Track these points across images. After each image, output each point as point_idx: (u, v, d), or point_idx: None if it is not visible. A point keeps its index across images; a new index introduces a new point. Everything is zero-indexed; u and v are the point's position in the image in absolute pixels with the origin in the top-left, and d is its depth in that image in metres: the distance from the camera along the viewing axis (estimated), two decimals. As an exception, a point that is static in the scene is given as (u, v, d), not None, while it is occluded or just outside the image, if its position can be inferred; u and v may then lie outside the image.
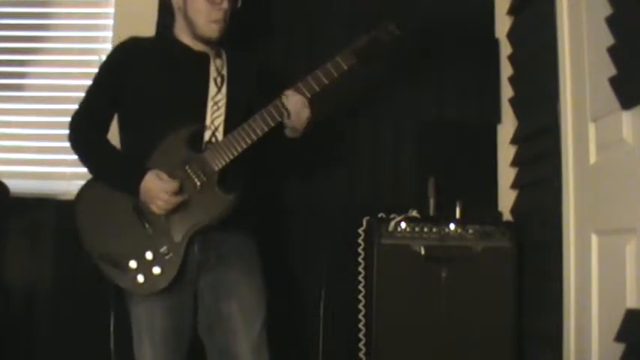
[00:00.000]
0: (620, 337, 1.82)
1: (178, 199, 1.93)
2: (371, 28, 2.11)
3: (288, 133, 2.07)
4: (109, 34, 2.72)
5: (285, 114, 2.01)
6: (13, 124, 2.76)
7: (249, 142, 1.99)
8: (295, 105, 2.01)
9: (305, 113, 2.04)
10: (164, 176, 1.92)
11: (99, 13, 2.80)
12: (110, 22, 2.75)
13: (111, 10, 2.76)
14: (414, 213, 2.48)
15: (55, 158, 2.68)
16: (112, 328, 2.28)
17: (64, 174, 2.66)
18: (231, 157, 1.98)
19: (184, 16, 2.10)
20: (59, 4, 2.83)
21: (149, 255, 1.92)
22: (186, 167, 1.97)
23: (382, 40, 2.10)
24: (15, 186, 2.49)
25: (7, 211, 2.51)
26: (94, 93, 2.08)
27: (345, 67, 2.06)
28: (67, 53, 2.77)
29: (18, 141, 2.74)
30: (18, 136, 2.74)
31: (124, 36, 2.14)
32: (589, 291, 2.05)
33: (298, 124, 2.04)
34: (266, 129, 2.00)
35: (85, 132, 2.05)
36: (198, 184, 1.96)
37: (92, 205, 1.99)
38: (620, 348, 1.82)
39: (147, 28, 2.49)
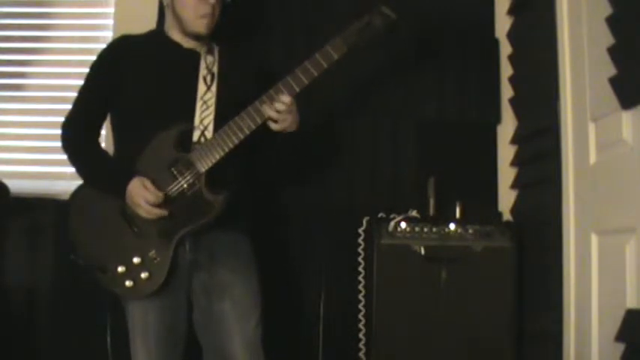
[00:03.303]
0: (620, 337, 1.82)
1: (159, 212, 1.90)
2: (363, 13, 2.02)
3: (273, 127, 1.98)
4: (109, 34, 2.72)
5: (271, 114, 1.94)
6: (13, 124, 2.76)
7: (237, 141, 1.94)
8: (280, 106, 1.94)
9: (291, 114, 1.96)
10: (149, 185, 1.90)
11: (99, 13, 2.80)
12: (110, 22, 2.75)
13: (111, 10, 2.76)
14: (414, 213, 2.48)
15: (55, 158, 2.67)
16: (108, 328, 2.28)
17: (64, 174, 2.65)
18: (218, 157, 1.94)
19: (173, 12, 2.08)
20: (59, 4, 2.83)
21: (137, 259, 1.91)
22: (172, 169, 1.94)
23: (375, 25, 2.00)
24: (15, 186, 2.48)
25: (7, 211, 2.51)
26: (84, 94, 2.08)
27: (336, 57, 1.96)
28: (67, 53, 2.77)
29: (18, 141, 2.74)
30: (18, 136, 2.74)
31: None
32: (589, 291, 2.05)
33: (285, 124, 1.97)
34: (253, 127, 1.94)
35: (75, 134, 2.05)
36: (185, 186, 1.94)
37: (83, 209, 1.99)
38: (620, 348, 1.82)
39: (147, 29, 2.48)
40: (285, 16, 2.75)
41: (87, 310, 2.52)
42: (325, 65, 1.96)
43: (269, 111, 1.94)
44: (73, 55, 2.76)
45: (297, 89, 1.96)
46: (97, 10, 2.80)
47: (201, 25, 2.04)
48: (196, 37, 2.08)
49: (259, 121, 1.95)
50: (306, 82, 1.96)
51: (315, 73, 1.96)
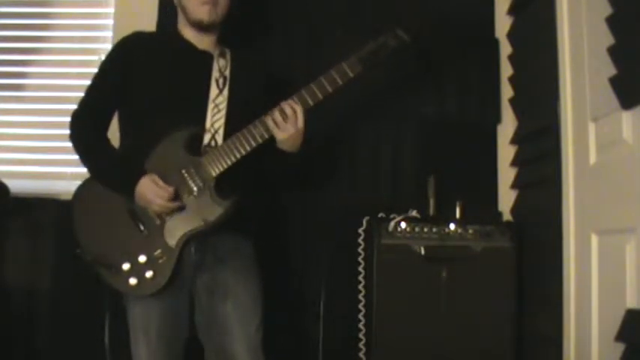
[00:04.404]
0: (620, 337, 1.82)
1: (173, 205, 1.92)
2: (377, 33, 2.06)
3: (278, 144, 2.01)
4: (109, 34, 2.72)
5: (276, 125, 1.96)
6: (13, 124, 2.75)
7: (249, 148, 1.96)
8: (289, 109, 1.96)
9: (295, 128, 1.96)
10: (159, 181, 1.91)
11: (99, 13, 2.80)
12: (110, 22, 2.75)
13: (111, 10, 2.76)
14: (414, 213, 2.48)
15: (55, 158, 2.68)
16: (106, 328, 2.28)
17: (65, 174, 2.66)
18: (230, 163, 1.95)
19: (180, 5, 2.10)
20: (59, 4, 2.83)
21: (142, 258, 1.91)
22: (183, 171, 1.95)
23: (390, 45, 2.04)
24: (15, 186, 2.49)
25: (7, 211, 2.51)
26: (95, 89, 2.07)
27: (352, 75, 1.99)
28: (67, 53, 2.77)
29: (18, 141, 2.74)
30: (18, 136, 2.74)
31: (127, 34, 2.13)
32: (589, 291, 2.05)
33: (285, 133, 1.97)
34: (266, 135, 1.97)
35: (85, 130, 2.04)
36: (195, 189, 1.95)
37: (88, 206, 1.99)
38: (620, 348, 1.82)
39: (147, 29, 2.47)
40: (286, 18, 2.74)
41: (87, 310, 2.52)
42: (340, 82, 1.99)
43: (275, 113, 1.95)
44: (73, 55, 2.76)
45: (312, 103, 1.98)
46: (97, 10, 2.80)
47: (203, 12, 2.04)
48: (200, 26, 2.07)
49: (271, 128, 1.97)
50: (320, 97, 1.98)
51: (330, 89, 1.99)
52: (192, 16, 2.06)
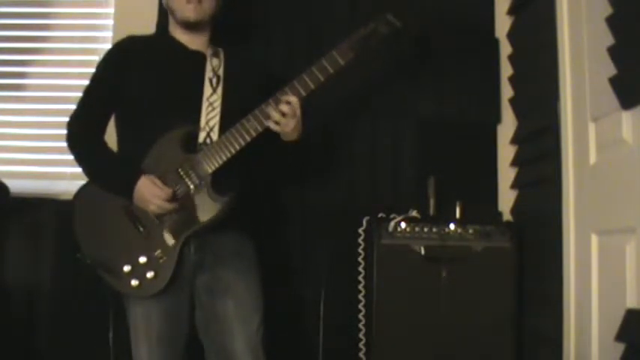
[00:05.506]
0: (620, 337, 1.82)
1: (171, 206, 1.93)
2: (368, 20, 2.06)
3: (282, 137, 2.02)
4: (109, 34, 2.73)
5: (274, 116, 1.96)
6: (13, 124, 2.76)
7: (243, 143, 1.96)
8: (284, 107, 1.96)
9: (294, 120, 1.97)
10: (158, 182, 1.92)
11: (99, 13, 2.80)
12: (110, 22, 2.75)
13: (111, 10, 2.76)
14: (414, 213, 2.48)
15: (55, 158, 2.68)
16: (110, 328, 2.28)
17: (64, 174, 2.66)
18: (225, 158, 1.96)
19: (168, 7, 2.12)
20: (59, 4, 2.83)
21: (143, 259, 1.92)
22: (179, 170, 1.96)
23: (381, 32, 2.04)
24: (15, 186, 2.49)
25: (7, 211, 2.51)
26: (90, 93, 2.08)
27: (342, 63, 1.99)
28: (67, 53, 2.78)
29: (18, 141, 2.74)
30: (18, 136, 2.74)
31: (124, 36, 2.15)
32: (589, 291, 2.05)
33: (286, 129, 1.98)
34: (260, 129, 1.97)
35: (81, 133, 2.05)
36: (192, 186, 1.95)
37: (88, 209, 1.99)
38: (620, 348, 1.82)
39: (147, 29, 2.49)
40: (286, 17, 2.74)
41: (87, 311, 2.52)
42: (331, 70, 1.99)
43: (273, 112, 1.95)
44: (72, 55, 2.76)
45: (304, 93, 1.98)
46: (97, 10, 2.80)
47: (188, 10, 2.05)
48: (188, 25, 2.08)
49: (266, 123, 1.97)
50: (312, 86, 1.99)
51: (322, 78, 1.99)
52: (179, 16, 2.08)
